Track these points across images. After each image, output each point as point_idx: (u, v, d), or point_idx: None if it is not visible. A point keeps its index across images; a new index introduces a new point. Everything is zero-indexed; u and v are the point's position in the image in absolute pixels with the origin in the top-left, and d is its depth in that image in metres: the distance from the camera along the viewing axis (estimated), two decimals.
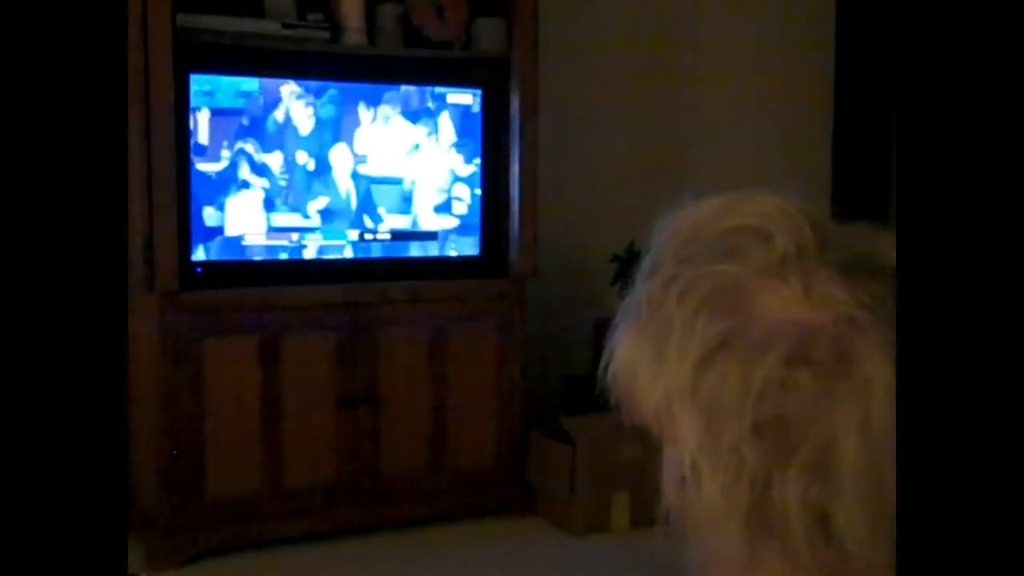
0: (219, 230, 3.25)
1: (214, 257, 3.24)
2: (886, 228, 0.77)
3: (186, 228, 3.17)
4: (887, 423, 0.68)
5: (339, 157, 3.37)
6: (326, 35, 3.33)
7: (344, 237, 3.41)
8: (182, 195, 3.14)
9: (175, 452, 3.16)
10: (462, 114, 3.53)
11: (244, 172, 3.26)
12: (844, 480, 0.69)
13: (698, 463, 0.72)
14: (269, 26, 3.25)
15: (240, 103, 3.24)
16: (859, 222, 0.78)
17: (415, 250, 3.52)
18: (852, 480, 0.68)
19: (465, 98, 3.54)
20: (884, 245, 0.75)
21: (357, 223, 3.42)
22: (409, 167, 3.47)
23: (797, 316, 0.71)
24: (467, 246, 3.58)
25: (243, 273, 3.29)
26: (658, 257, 0.77)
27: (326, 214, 3.38)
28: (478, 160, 3.55)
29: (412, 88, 3.46)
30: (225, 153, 3.22)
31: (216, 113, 3.21)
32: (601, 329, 3.50)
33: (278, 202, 3.31)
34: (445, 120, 3.51)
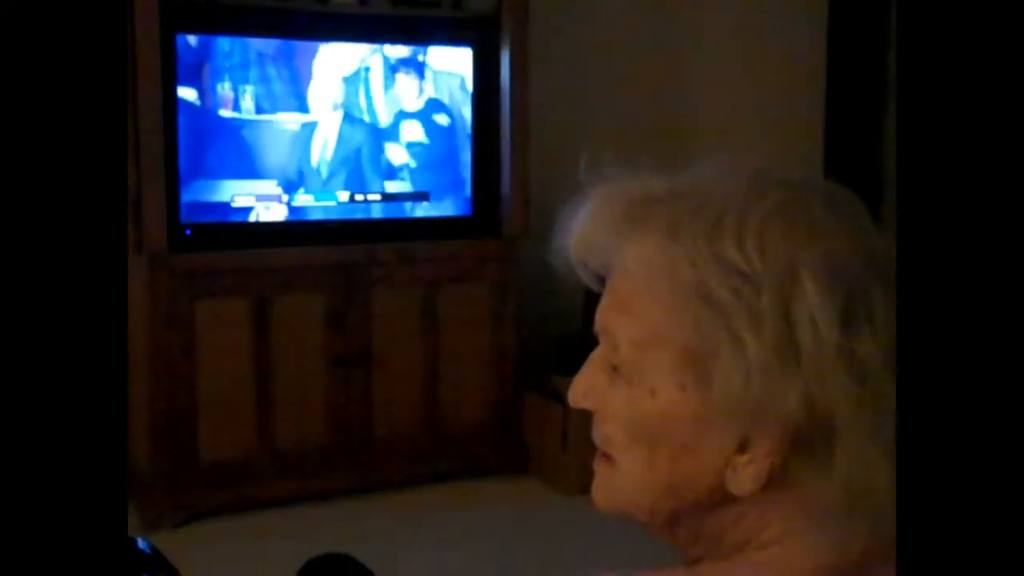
0: (208, 191, 3.22)
1: (203, 219, 3.22)
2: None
3: (174, 190, 3.15)
4: None
5: (329, 117, 3.35)
6: None
7: (335, 198, 3.39)
8: (170, 156, 3.12)
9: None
10: (453, 73, 3.50)
11: (232, 132, 3.23)
12: None
13: (862, 436, 0.72)
14: None
15: (227, 63, 3.21)
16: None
17: (406, 211, 3.51)
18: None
19: (455, 57, 3.51)
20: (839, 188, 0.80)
21: (348, 183, 3.40)
22: (399, 127, 3.45)
23: (866, 263, 0.74)
24: (459, 206, 3.56)
25: (233, 235, 3.27)
26: (731, 263, 0.73)
27: (316, 174, 3.36)
28: (469, 120, 3.53)
29: (402, 47, 3.43)
30: (213, 114, 3.20)
31: (203, 73, 3.18)
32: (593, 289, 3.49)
33: (268, 163, 3.29)
34: (435, 79, 3.48)
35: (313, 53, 3.31)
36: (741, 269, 0.72)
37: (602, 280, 0.81)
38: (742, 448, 0.74)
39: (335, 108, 3.36)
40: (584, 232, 0.80)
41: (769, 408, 0.72)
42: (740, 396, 0.72)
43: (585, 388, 0.83)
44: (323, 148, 3.36)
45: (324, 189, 3.37)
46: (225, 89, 3.21)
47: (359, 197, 3.43)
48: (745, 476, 0.75)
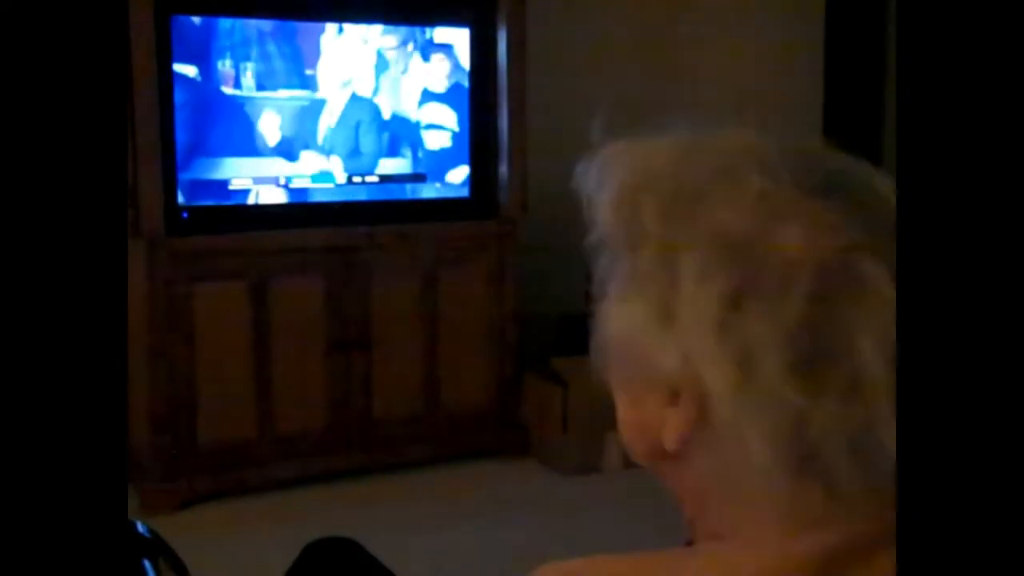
0: (205, 173, 3.21)
1: (200, 201, 3.21)
2: (875, 166, 0.76)
3: (171, 172, 3.14)
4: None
5: (326, 97, 3.33)
6: None
7: (332, 179, 3.38)
8: (166, 139, 3.11)
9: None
10: (450, 52, 3.49)
11: (229, 114, 3.22)
12: (881, 402, 0.69)
13: (735, 413, 0.72)
14: None
15: (223, 43, 3.19)
16: (840, 151, 0.78)
17: (404, 192, 3.50)
18: (887, 400, 0.68)
19: (453, 36, 3.49)
20: (861, 171, 0.75)
21: (345, 165, 3.39)
22: (398, 107, 3.44)
23: (805, 252, 0.70)
24: (457, 187, 3.56)
25: (230, 217, 3.26)
26: (639, 220, 0.75)
27: (314, 156, 3.34)
28: (467, 99, 3.52)
29: (400, 27, 3.42)
30: (210, 95, 3.18)
31: (199, 54, 3.16)
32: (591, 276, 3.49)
33: (265, 144, 3.28)
34: (433, 59, 3.47)
35: (310, 32, 3.30)
36: (646, 228, 0.75)
37: None
38: (673, 402, 0.75)
39: (332, 89, 3.34)
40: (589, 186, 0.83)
41: (650, 366, 0.74)
42: (624, 347, 0.76)
43: None
44: (320, 130, 3.34)
45: (322, 171, 3.36)
46: (226, 67, 3.19)
47: (357, 179, 3.42)
48: (668, 431, 0.76)
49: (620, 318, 0.76)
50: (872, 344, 0.69)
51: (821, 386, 0.70)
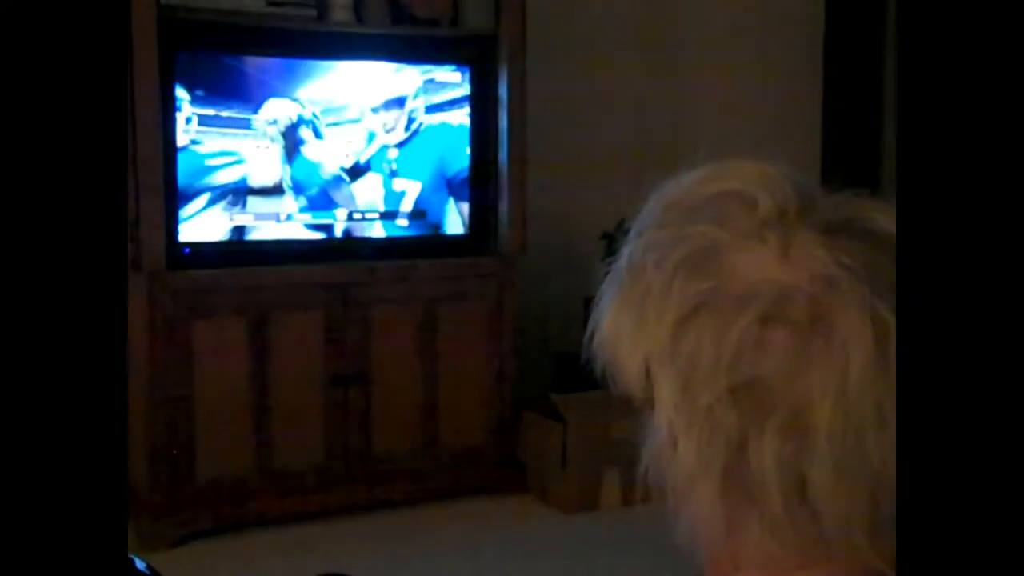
0: (206, 210, 3.22)
1: (201, 237, 3.22)
2: (876, 197, 0.76)
3: (173, 208, 3.15)
4: (863, 384, 0.67)
5: (326, 135, 3.35)
6: (312, 12, 3.30)
7: (332, 216, 3.40)
8: (168, 174, 3.12)
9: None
10: (450, 92, 3.51)
11: (231, 151, 3.23)
12: (820, 441, 0.68)
13: (674, 425, 0.72)
14: (255, 4, 3.22)
15: (226, 82, 3.22)
16: (848, 189, 0.77)
17: (403, 229, 3.51)
18: (828, 441, 0.68)
19: (453, 76, 3.52)
20: (871, 210, 0.74)
21: (345, 202, 3.41)
22: (397, 144, 3.45)
23: (774, 275, 0.70)
24: (456, 224, 3.57)
25: (231, 253, 3.27)
26: (642, 224, 0.77)
27: (314, 193, 3.36)
28: (467, 137, 3.53)
29: (399, 66, 3.44)
30: (212, 132, 3.20)
31: (202, 92, 3.18)
32: (591, 307, 3.49)
33: (266, 181, 3.29)
34: (433, 98, 3.49)
35: (311, 72, 3.32)
36: (642, 225, 0.76)
37: None
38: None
39: (332, 125, 3.36)
40: None
41: (621, 374, 0.75)
42: (608, 352, 0.76)
43: None
44: (321, 165, 3.36)
45: (322, 207, 3.38)
46: (222, 109, 3.21)
47: (357, 215, 3.43)
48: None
49: (609, 321, 0.76)
50: (822, 382, 0.68)
51: (759, 413, 0.69)
